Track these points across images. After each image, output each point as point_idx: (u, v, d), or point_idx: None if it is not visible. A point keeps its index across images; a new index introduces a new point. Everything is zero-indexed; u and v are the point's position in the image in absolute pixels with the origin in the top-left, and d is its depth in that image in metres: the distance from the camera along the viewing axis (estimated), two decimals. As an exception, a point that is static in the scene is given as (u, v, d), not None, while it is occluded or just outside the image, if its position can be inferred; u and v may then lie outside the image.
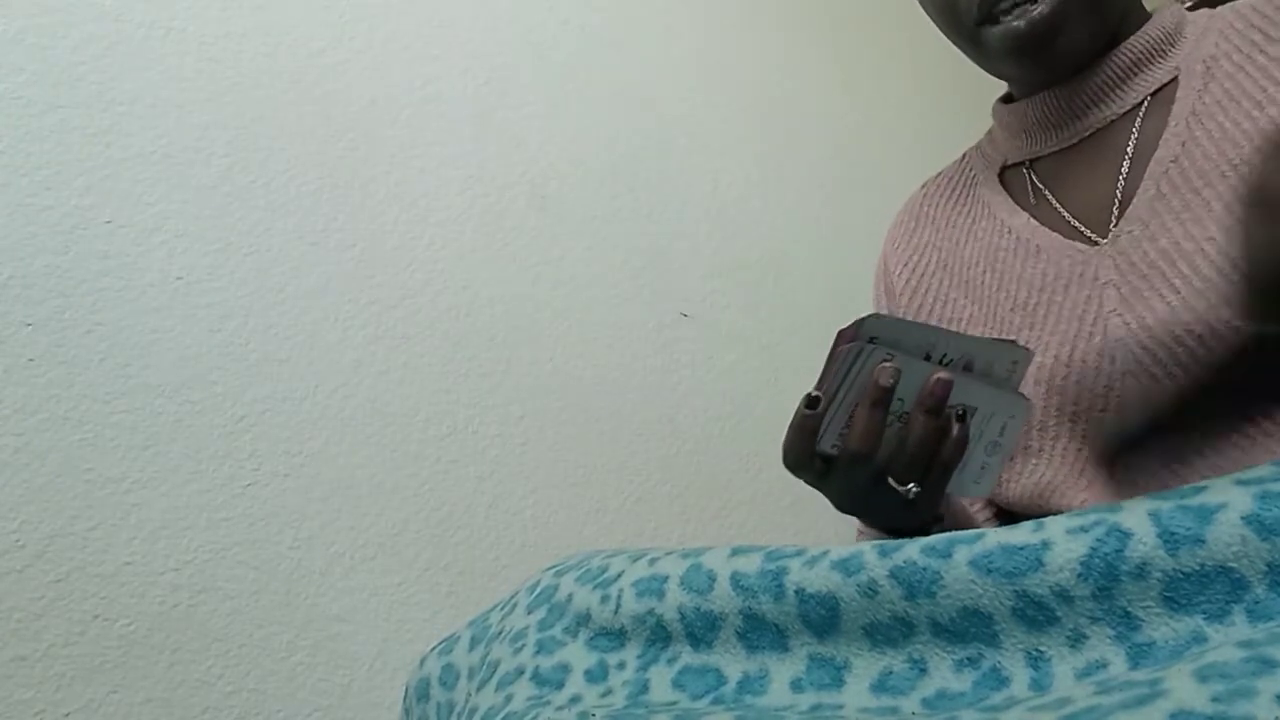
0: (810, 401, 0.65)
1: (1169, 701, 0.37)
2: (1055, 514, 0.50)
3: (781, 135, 1.69)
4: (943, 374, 0.63)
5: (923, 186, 1.02)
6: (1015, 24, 0.79)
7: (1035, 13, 0.78)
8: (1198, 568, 0.43)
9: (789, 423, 0.67)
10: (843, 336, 0.65)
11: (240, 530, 1.10)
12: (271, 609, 1.10)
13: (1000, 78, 0.89)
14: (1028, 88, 0.89)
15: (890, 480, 0.65)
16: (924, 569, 0.47)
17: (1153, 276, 0.75)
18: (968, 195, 0.95)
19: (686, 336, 1.48)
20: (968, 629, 0.46)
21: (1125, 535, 0.44)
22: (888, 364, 0.63)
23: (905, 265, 0.95)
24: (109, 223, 1.10)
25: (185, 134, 1.17)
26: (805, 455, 0.67)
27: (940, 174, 1.01)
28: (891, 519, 0.73)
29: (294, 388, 1.17)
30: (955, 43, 0.88)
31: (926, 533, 0.72)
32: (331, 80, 1.29)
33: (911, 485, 0.65)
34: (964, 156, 1.01)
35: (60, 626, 0.99)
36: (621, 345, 1.43)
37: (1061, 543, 0.45)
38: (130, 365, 1.08)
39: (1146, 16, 0.85)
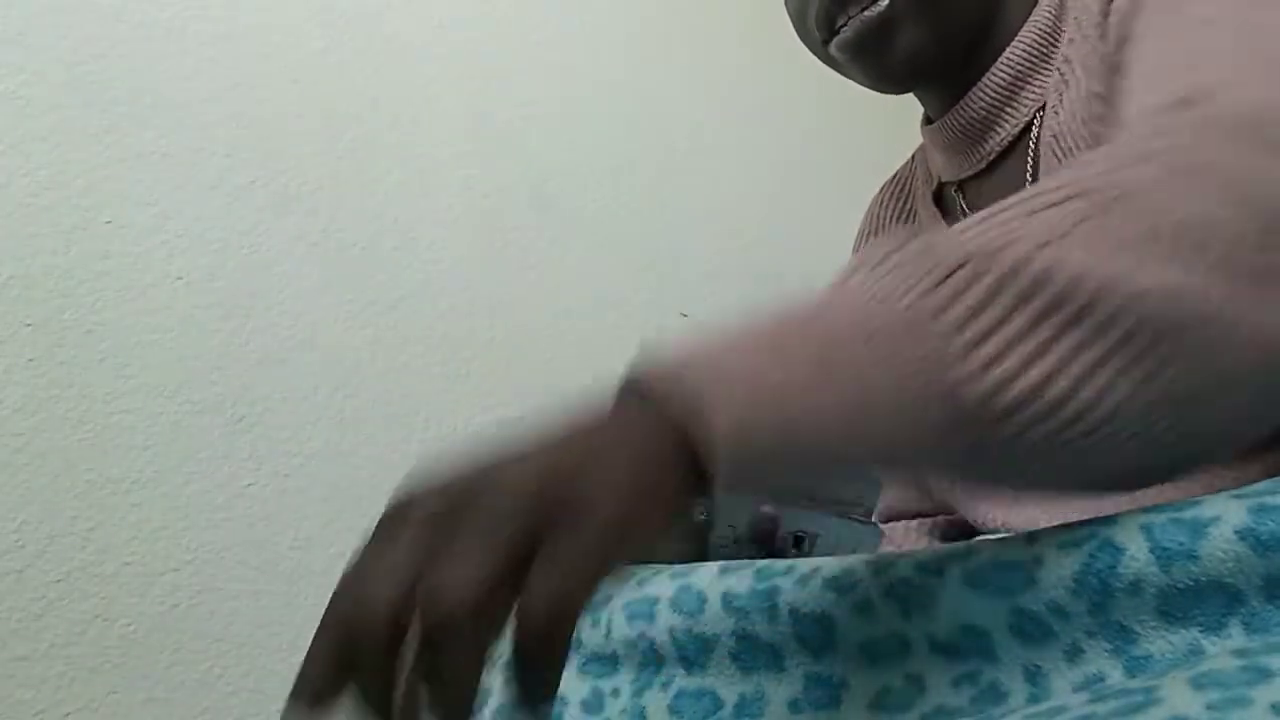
0: None
1: (1163, 709, 0.37)
2: None
3: (782, 135, 1.69)
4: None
5: (881, 190, 0.98)
6: (847, 33, 0.74)
7: (864, 16, 0.72)
8: (1192, 583, 0.43)
9: None
10: None
11: (240, 530, 1.10)
12: (271, 609, 1.10)
13: (880, 91, 0.82)
14: (930, 108, 0.84)
15: None
16: (918, 586, 0.47)
17: None
18: (913, 212, 0.91)
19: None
20: (965, 645, 0.46)
21: (1118, 550, 0.44)
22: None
23: None
24: (109, 223, 1.10)
25: (185, 134, 1.17)
26: None
27: (895, 177, 0.96)
28: None
29: (294, 388, 1.17)
30: (827, 64, 0.83)
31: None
32: (331, 80, 1.29)
33: None
34: (912, 158, 0.96)
35: (60, 626, 0.99)
36: (621, 345, 1.43)
37: (1053, 558, 0.45)
38: (130, 365, 1.08)
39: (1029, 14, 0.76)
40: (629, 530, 0.37)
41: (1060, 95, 0.72)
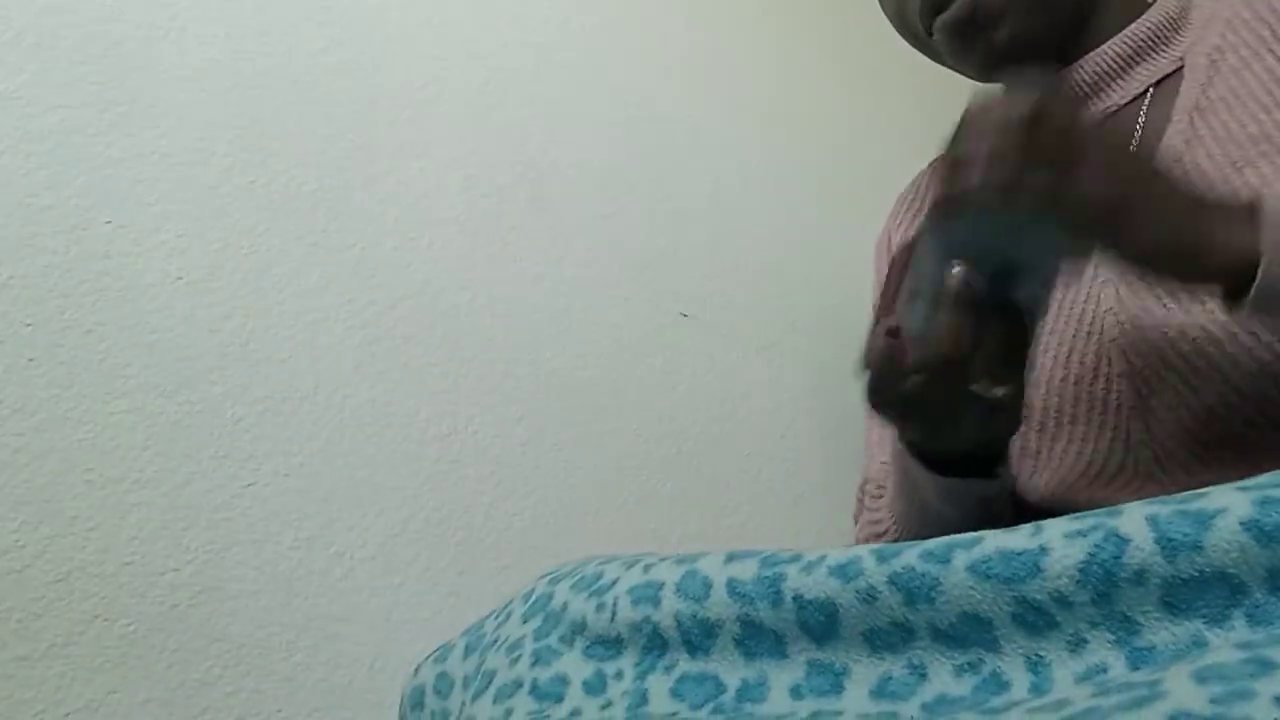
0: (891, 331, 0.61)
1: (1167, 703, 0.37)
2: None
3: (781, 135, 1.69)
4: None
5: (930, 164, 1.03)
6: (946, 17, 0.82)
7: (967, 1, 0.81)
8: (1196, 574, 0.43)
9: (866, 359, 0.63)
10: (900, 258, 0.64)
11: (240, 530, 1.10)
12: (271, 609, 1.10)
13: (980, 80, 0.87)
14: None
15: (976, 389, 0.62)
16: (923, 575, 0.47)
17: None
18: None
19: (686, 336, 1.48)
20: (968, 634, 0.46)
21: (1123, 541, 0.44)
22: (957, 267, 0.60)
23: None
24: (109, 223, 1.10)
25: (185, 134, 1.17)
26: (898, 384, 0.63)
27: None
28: (982, 435, 0.69)
29: (294, 388, 1.17)
30: (926, 55, 0.90)
31: (1002, 456, 0.73)
32: (331, 80, 1.29)
33: (1000, 389, 0.62)
34: None
35: (60, 626, 0.99)
36: (621, 345, 1.43)
37: (1059, 548, 0.45)
38: (130, 365, 1.08)
39: (1143, 4, 0.84)
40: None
41: (1210, 77, 0.78)
